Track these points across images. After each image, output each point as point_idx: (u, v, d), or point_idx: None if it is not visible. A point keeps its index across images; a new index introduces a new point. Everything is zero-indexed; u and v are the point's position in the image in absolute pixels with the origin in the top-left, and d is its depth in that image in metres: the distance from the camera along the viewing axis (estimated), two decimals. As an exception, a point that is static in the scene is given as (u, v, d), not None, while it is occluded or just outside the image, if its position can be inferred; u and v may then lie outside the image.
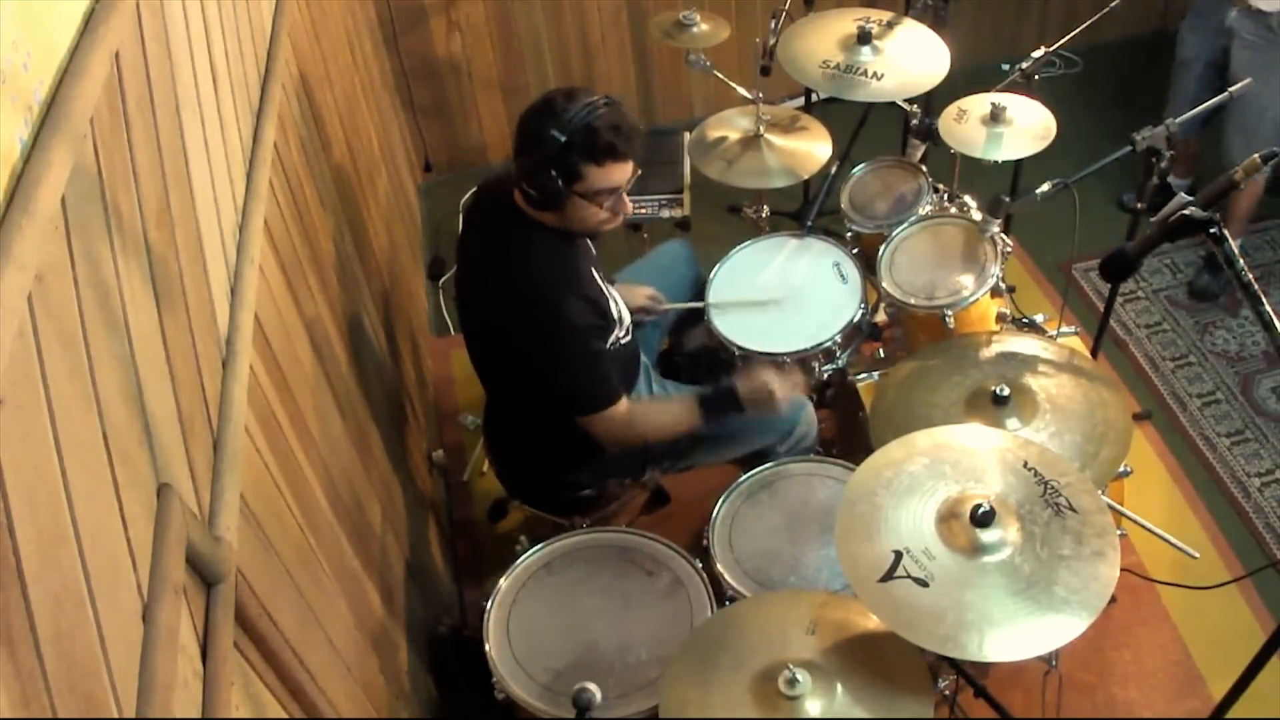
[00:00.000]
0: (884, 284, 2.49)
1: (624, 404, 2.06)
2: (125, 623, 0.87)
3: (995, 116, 2.50)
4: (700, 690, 1.61)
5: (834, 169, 2.77)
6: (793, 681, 1.53)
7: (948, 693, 2.15)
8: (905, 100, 2.64)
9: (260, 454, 1.36)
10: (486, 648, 1.92)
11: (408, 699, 1.91)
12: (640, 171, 2.00)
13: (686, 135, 2.99)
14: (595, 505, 2.33)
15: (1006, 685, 2.30)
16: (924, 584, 1.54)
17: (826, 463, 2.21)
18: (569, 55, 3.84)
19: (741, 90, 2.86)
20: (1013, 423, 2.01)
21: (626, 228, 2.11)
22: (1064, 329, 2.50)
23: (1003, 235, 2.48)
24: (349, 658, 1.57)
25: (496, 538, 2.82)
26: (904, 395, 2.15)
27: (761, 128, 2.72)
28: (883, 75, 2.58)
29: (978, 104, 2.55)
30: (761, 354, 2.44)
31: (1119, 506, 2.09)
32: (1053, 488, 1.65)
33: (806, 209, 2.97)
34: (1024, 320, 2.60)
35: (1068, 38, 2.59)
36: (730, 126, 2.79)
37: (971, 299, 2.40)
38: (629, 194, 2.01)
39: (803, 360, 2.43)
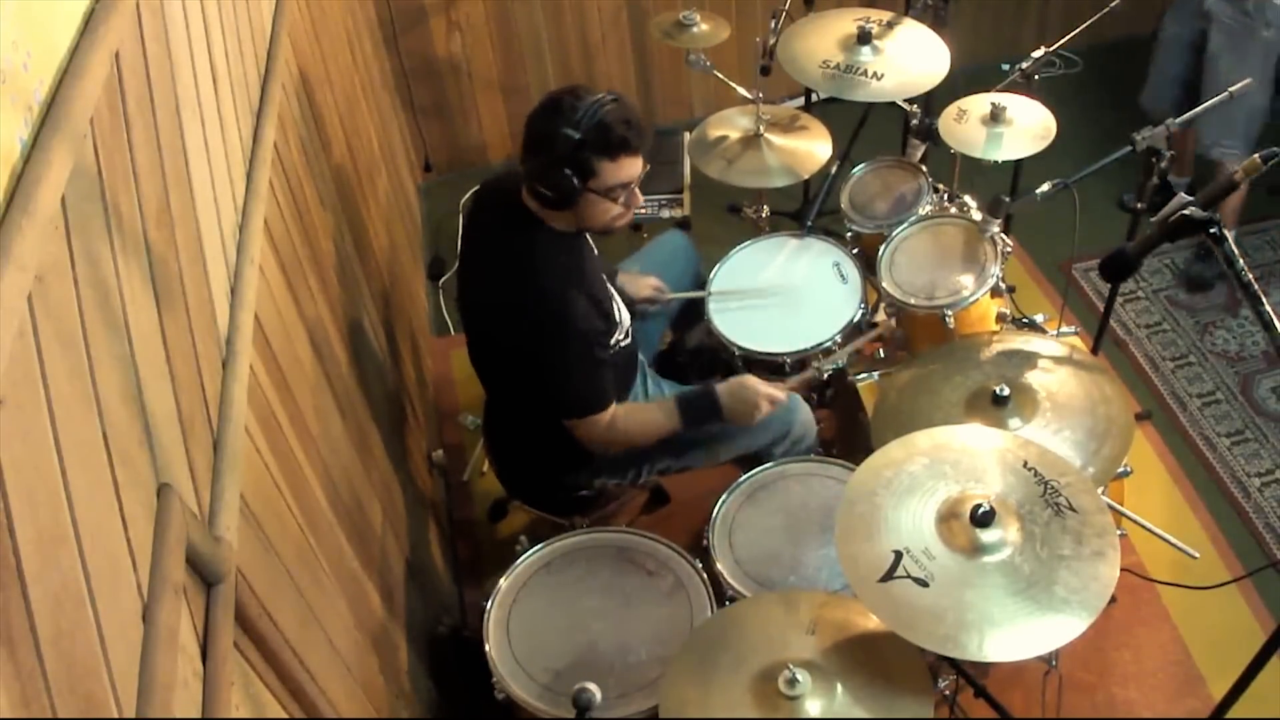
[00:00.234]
0: (884, 284, 2.49)
1: (610, 410, 2.07)
2: (125, 623, 0.87)
3: (995, 116, 2.50)
4: (700, 690, 1.61)
5: (834, 169, 2.77)
6: (793, 681, 1.53)
7: (948, 693, 2.15)
8: (905, 100, 2.64)
9: (260, 454, 1.36)
10: (486, 648, 1.92)
11: (408, 699, 1.91)
12: (649, 167, 2.01)
13: (686, 135, 2.99)
14: (595, 505, 2.34)
15: (1006, 685, 2.30)
16: (924, 584, 1.55)
17: (826, 463, 2.21)
18: (569, 55, 3.84)
19: (741, 90, 2.86)
20: (1014, 422, 2.01)
21: (627, 226, 2.11)
22: (1064, 329, 2.50)
23: (1003, 235, 2.48)
24: (349, 658, 1.57)
25: (496, 538, 2.82)
26: (906, 399, 2.15)
27: (761, 127, 2.72)
28: (883, 75, 2.58)
29: (978, 104, 2.55)
30: (761, 354, 2.44)
31: (1119, 506, 2.09)
32: (1053, 488, 1.65)
33: (806, 209, 2.97)
34: (1024, 320, 2.60)
35: (1068, 38, 2.59)
36: (730, 126, 2.79)
37: (971, 299, 2.40)
38: (632, 190, 2.01)
39: (802, 360, 2.43)
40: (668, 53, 3.85)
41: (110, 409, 0.92)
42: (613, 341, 2.12)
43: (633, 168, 1.95)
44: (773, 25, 2.80)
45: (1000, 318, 2.51)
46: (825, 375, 2.32)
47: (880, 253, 2.54)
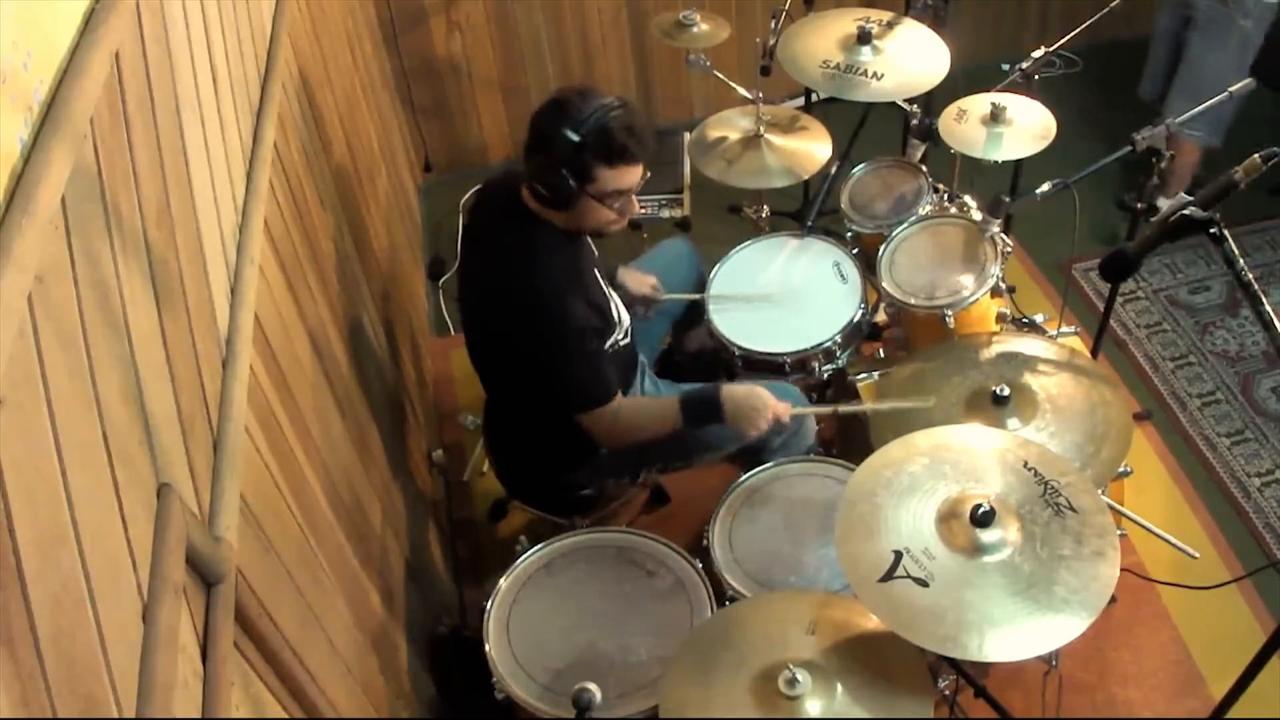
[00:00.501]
0: (884, 284, 2.49)
1: (616, 402, 2.07)
2: (125, 623, 0.87)
3: (995, 116, 2.50)
4: (700, 690, 1.61)
5: (834, 169, 2.77)
6: (793, 681, 1.53)
7: (948, 693, 2.15)
8: (905, 100, 2.64)
9: (260, 454, 1.36)
10: (486, 648, 1.92)
11: (408, 699, 1.91)
12: (650, 174, 2.00)
13: (686, 135, 2.99)
14: (595, 505, 2.33)
15: (1006, 685, 2.30)
16: (924, 584, 1.54)
17: (826, 463, 2.21)
18: (569, 55, 3.84)
19: (741, 90, 2.86)
20: (1013, 422, 2.01)
21: (626, 226, 2.11)
22: (1064, 329, 2.50)
23: (1003, 235, 2.48)
24: (349, 658, 1.57)
25: (496, 538, 2.82)
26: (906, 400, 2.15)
27: (761, 128, 2.72)
28: (883, 75, 2.58)
29: (978, 104, 2.55)
30: (761, 354, 2.44)
31: (1119, 506, 2.09)
32: (1053, 488, 1.65)
33: (806, 209, 2.97)
34: (1024, 320, 2.60)
35: (1068, 38, 2.59)
36: (730, 126, 2.79)
37: (971, 299, 2.40)
38: (632, 194, 2.01)
39: (802, 360, 2.43)
40: (668, 53, 3.85)
41: (110, 409, 0.92)
42: (611, 341, 2.12)
43: (631, 176, 1.94)
44: (773, 25, 2.80)
45: (1000, 318, 2.51)
46: (839, 411, 2.27)
47: (880, 253, 2.54)
